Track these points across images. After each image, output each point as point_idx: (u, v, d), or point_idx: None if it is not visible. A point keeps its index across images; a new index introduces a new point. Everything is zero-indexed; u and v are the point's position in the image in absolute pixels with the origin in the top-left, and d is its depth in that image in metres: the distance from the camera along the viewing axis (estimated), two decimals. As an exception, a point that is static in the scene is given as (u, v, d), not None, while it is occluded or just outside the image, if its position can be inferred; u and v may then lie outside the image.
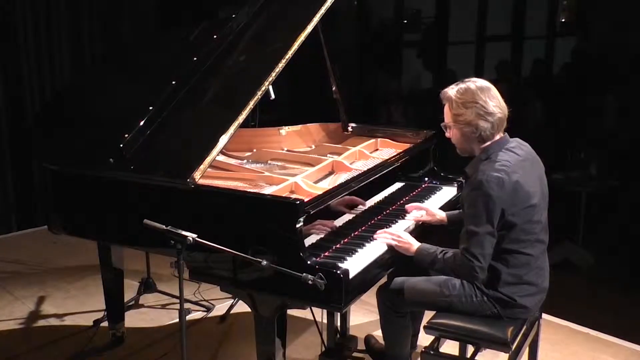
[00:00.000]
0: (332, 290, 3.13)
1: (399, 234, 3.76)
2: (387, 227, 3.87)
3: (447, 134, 3.70)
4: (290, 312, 3.65)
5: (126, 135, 3.89)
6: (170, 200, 3.68)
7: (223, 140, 3.63)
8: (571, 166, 6.24)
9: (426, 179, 4.88)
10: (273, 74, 3.83)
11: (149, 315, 5.51)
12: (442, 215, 4.12)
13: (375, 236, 3.74)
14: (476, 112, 3.48)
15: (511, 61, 6.70)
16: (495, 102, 3.51)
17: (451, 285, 3.64)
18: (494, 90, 3.56)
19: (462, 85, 3.57)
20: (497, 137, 3.56)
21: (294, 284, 3.11)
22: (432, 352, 3.60)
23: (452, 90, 3.58)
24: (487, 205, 3.37)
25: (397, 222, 4.05)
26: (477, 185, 3.40)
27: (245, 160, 4.66)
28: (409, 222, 4.07)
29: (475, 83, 3.56)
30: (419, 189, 4.71)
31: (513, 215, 3.42)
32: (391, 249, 3.69)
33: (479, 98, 3.48)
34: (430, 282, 3.72)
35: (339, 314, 4.51)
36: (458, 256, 3.48)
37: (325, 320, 4.42)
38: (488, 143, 3.55)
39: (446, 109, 3.63)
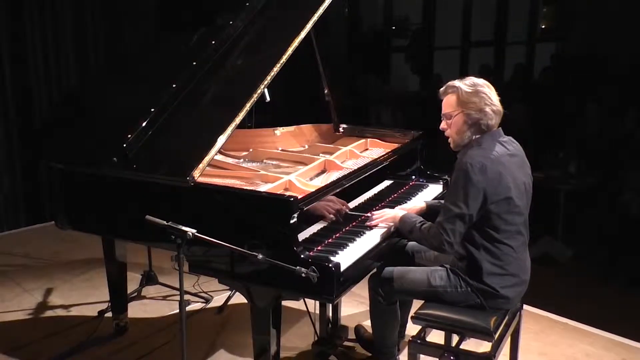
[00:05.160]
0: (324, 283, 3.14)
1: (381, 212, 3.92)
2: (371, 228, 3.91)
3: (444, 125, 3.68)
4: (284, 303, 3.65)
5: (129, 136, 3.88)
6: (170, 198, 3.67)
7: (221, 140, 3.63)
8: (551, 165, 6.25)
9: (413, 177, 4.89)
10: (268, 78, 3.84)
11: (151, 306, 5.51)
12: (421, 205, 4.14)
13: (367, 224, 3.83)
14: (485, 101, 3.53)
15: (494, 65, 6.71)
16: (495, 96, 3.58)
17: (438, 276, 3.67)
18: (492, 87, 3.62)
19: (466, 80, 3.62)
20: (493, 129, 3.59)
21: (288, 277, 3.11)
22: (419, 341, 3.61)
23: (458, 82, 3.62)
24: (467, 187, 3.40)
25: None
26: (462, 167, 3.45)
27: (242, 160, 4.66)
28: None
29: (478, 79, 3.63)
30: (407, 187, 4.72)
31: (493, 204, 3.44)
32: (381, 241, 3.73)
33: (485, 90, 3.55)
34: (418, 272, 3.76)
35: (330, 305, 4.52)
36: (433, 228, 3.54)
37: (317, 311, 4.43)
38: (484, 134, 3.57)
39: (451, 98, 3.62)
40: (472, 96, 3.54)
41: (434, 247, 3.59)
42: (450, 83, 3.65)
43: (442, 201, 4.11)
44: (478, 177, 3.38)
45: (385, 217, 3.86)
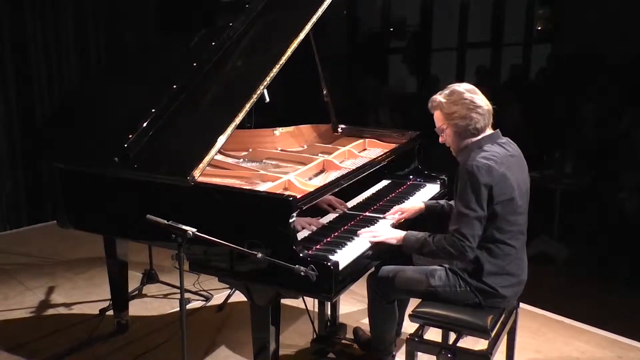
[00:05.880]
0: (323, 281, 3.14)
1: (380, 229, 3.78)
2: (369, 226, 3.88)
3: (441, 139, 3.70)
4: (283, 301, 3.64)
5: (130, 136, 3.88)
6: (171, 197, 3.68)
7: (221, 140, 3.63)
8: (547, 165, 6.24)
9: (411, 176, 4.88)
10: (268, 79, 3.83)
11: (152, 304, 5.51)
12: (419, 205, 4.12)
13: (358, 233, 3.73)
14: (467, 106, 3.52)
15: (490, 66, 6.70)
16: (480, 97, 3.56)
17: (437, 276, 3.66)
18: (476, 89, 3.61)
19: (446, 90, 3.62)
20: (488, 131, 3.60)
21: (287, 275, 3.11)
22: (416, 339, 3.61)
23: (439, 97, 3.62)
24: (476, 189, 3.38)
25: (384, 218, 4.05)
26: (467, 170, 3.42)
27: (241, 159, 4.66)
28: (387, 222, 4.06)
29: (459, 85, 3.61)
30: (404, 186, 4.71)
31: (498, 204, 3.43)
32: (378, 243, 3.70)
33: (466, 95, 3.53)
34: (417, 271, 3.74)
35: (329, 303, 4.52)
36: (448, 237, 3.47)
37: (316, 309, 4.44)
38: (481, 136, 3.57)
39: (437, 114, 3.65)
40: (453, 106, 3.55)
41: (454, 256, 3.50)
42: (433, 98, 3.66)
43: (440, 201, 4.12)
44: (485, 178, 3.37)
45: (383, 240, 3.69)
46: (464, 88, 3.58)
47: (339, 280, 3.23)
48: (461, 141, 3.61)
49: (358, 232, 3.73)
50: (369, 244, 3.63)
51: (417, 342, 3.61)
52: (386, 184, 4.64)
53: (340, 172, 4.17)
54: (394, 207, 4.15)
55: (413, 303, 3.81)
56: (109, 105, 4.46)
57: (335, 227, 3.78)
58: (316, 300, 4.33)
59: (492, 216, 3.45)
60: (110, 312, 5.07)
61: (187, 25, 8.14)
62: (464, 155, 3.57)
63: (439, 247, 3.51)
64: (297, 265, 3.05)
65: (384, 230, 3.78)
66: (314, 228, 3.69)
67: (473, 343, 3.90)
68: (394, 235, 3.70)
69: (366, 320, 4.15)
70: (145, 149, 3.90)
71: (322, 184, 3.82)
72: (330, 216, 3.88)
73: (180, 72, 4.25)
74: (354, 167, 4.21)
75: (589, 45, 5.74)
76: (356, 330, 4.61)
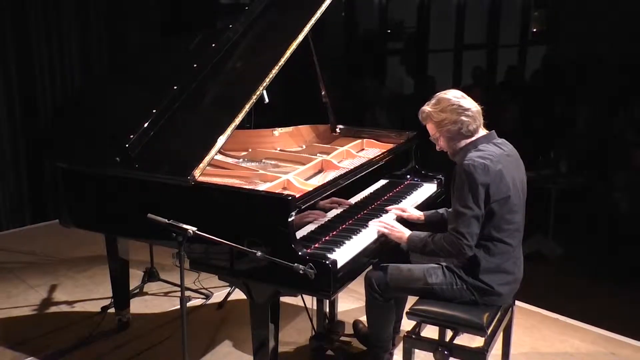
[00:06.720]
0: (322, 279, 3.15)
1: (392, 223, 3.82)
2: (367, 225, 3.88)
3: (438, 147, 3.73)
4: (282, 299, 3.64)
5: (131, 136, 3.88)
6: (172, 196, 3.68)
7: (221, 140, 3.63)
8: (542, 165, 6.24)
9: (408, 176, 4.89)
10: (267, 80, 3.84)
11: (153, 302, 5.51)
12: (419, 214, 4.13)
13: (369, 224, 3.79)
14: (455, 111, 3.54)
15: (486, 68, 6.70)
16: (467, 100, 3.60)
17: (434, 274, 3.66)
18: (463, 93, 3.65)
19: (433, 100, 3.66)
20: (482, 131, 3.62)
21: (286, 273, 3.12)
22: (413, 336, 3.62)
23: (427, 107, 3.66)
24: (473, 188, 3.40)
25: (382, 215, 4.06)
26: (464, 170, 3.43)
27: (241, 159, 4.66)
28: (392, 216, 4.07)
29: (445, 93, 3.65)
30: (402, 186, 4.72)
31: (495, 202, 3.44)
32: (378, 239, 3.72)
33: (453, 101, 3.57)
34: (414, 269, 3.74)
35: (327, 300, 4.52)
36: (447, 236, 3.50)
37: (315, 307, 4.43)
38: (475, 137, 3.58)
39: (429, 125, 3.69)
40: (442, 114, 3.58)
41: (453, 254, 3.53)
42: (422, 110, 3.69)
43: (440, 210, 4.12)
44: (482, 177, 3.39)
45: (392, 232, 3.77)
46: (451, 95, 3.62)
47: (337, 278, 3.23)
48: (456, 144, 3.63)
49: (369, 223, 3.80)
50: (367, 243, 3.65)
51: (414, 340, 3.62)
52: (384, 183, 4.64)
53: (338, 172, 4.17)
54: (402, 202, 4.19)
55: (411, 301, 3.81)
56: (110, 106, 4.46)
57: (334, 226, 3.78)
58: (315, 298, 4.33)
59: (489, 214, 3.46)
60: (112, 310, 5.07)
61: (187, 26, 8.15)
62: (461, 156, 3.58)
63: (438, 246, 3.54)
64: (295, 264, 3.05)
65: (395, 223, 3.84)
66: (322, 221, 3.72)
67: (469, 340, 3.91)
68: (400, 235, 3.75)
69: (364, 318, 4.15)
70: (146, 149, 3.90)
71: (320, 184, 3.82)
72: (330, 214, 3.88)
73: (181, 73, 4.25)
74: (352, 167, 4.21)
75: (584, 46, 5.75)
76: (356, 324, 4.61)
